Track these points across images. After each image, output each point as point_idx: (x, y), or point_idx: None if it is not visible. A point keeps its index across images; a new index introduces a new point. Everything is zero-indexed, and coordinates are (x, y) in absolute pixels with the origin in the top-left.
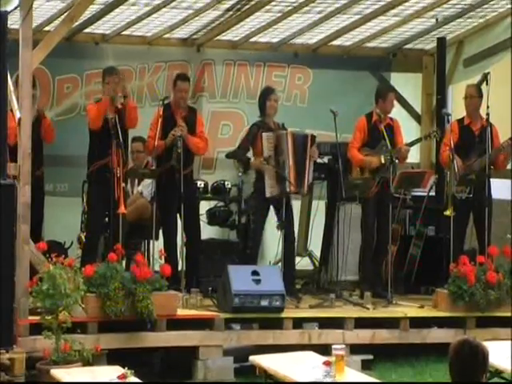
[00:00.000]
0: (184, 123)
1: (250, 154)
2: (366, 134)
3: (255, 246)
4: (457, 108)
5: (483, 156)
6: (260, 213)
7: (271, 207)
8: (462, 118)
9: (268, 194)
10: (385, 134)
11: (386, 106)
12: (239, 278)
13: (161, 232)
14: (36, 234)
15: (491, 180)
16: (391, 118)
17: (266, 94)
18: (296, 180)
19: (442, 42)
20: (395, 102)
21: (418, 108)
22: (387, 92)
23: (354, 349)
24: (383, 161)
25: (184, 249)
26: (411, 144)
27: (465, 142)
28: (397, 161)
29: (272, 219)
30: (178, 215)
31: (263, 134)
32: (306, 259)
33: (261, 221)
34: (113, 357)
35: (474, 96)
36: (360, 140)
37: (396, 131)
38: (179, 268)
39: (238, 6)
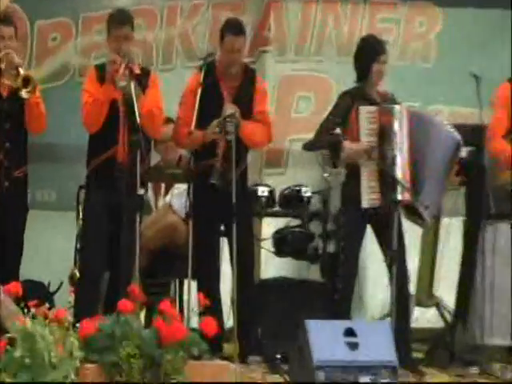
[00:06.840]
0: (234, 104)
1: None
2: None
3: (348, 289)
4: None
5: None
6: (353, 235)
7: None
8: None
9: (365, 205)
10: None
11: None
12: (324, 339)
13: None
14: (8, 270)
15: None
16: None
17: (374, 51)
18: (413, 184)
19: None
20: None
21: None
22: None
23: None
24: None
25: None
26: None
27: None
28: None
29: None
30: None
31: (360, 108)
32: (433, 311)
33: (355, 248)
34: None
35: None
36: (507, 120)
37: None
38: (226, 324)
39: None
